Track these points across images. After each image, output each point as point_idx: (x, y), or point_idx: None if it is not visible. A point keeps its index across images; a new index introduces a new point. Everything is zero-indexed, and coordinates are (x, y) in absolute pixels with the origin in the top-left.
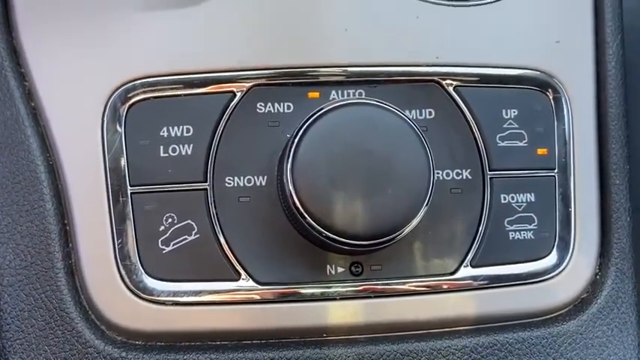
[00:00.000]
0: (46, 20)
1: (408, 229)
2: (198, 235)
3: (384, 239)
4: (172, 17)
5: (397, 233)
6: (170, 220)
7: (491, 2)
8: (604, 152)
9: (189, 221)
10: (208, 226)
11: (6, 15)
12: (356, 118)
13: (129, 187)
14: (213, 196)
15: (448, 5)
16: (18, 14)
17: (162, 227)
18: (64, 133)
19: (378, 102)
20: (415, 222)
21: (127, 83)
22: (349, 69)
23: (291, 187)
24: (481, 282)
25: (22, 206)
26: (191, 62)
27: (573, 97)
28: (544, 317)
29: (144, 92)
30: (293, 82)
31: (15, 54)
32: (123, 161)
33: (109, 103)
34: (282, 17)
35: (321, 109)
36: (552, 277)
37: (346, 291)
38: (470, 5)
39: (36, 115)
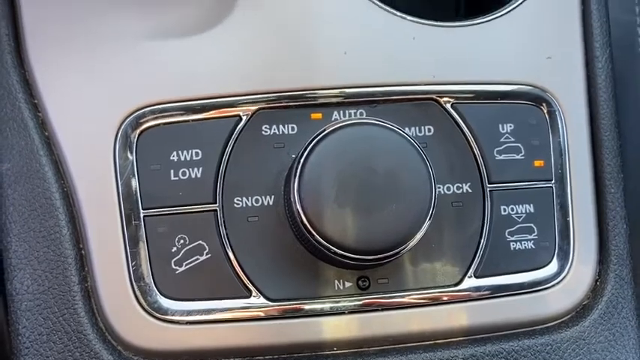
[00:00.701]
0: (57, 53)
1: (412, 243)
2: (209, 255)
3: (390, 253)
4: (178, 46)
5: (402, 247)
6: (182, 241)
7: (483, 22)
8: (598, 162)
9: (201, 242)
10: (219, 246)
11: (17, 49)
12: (358, 137)
13: (141, 211)
14: (223, 217)
15: (443, 26)
16: (29, 48)
17: (175, 248)
18: (77, 161)
19: (379, 121)
20: (419, 236)
21: (136, 111)
22: (349, 90)
23: (298, 206)
24: (485, 292)
25: (38, 232)
26: (198, 88)
27: (566, 110)
28: (548, 324)
29: (153, 119)
30: (296, 104)
31: (28, 86)
32: (135, 186)
33: (120, 131)
34: (284, 42)
35: (325, 129)
36: (554, 285)
37: (354, 305)
38: (464, 26)
39: (50, 144)
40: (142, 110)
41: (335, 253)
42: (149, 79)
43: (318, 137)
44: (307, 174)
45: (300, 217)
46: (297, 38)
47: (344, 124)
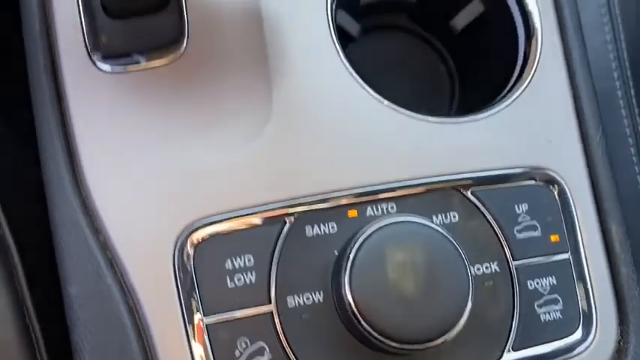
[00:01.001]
0: (113, 180)
1: (459, 326)
2: (270, 355)
3: (441, 340)
4: (222, 161)
5: (450, 331)
6: (243, 344)
7: (489, 115)
8: (607, 231)
9: (261, 342)
10: (278, 345)
11: (76, 180)
12: (398, 234)
13: (204, 319)
14: (279, 317)
15: (455, 123)
16: (88, 177)
17: (238, 352)
18: (140, 278)
19: (414, 217)
20: (463, 320)
21: (190, 225)
22: (377, 187)
23: (350, 300)
24: None
25: (110, 348)
26: (244, 199)
27: (572, 186)
28: None
29: (206, 231)
30: (332, 205)
31: (87, 211)
32: (196, 296)
33: (177, 246)
34: (315, 150)
35: (367, 230)
36: (583, 350)
37: None
38: (472, 121)
39: (112, 264)
40: (196, 224)
41: (388, 345)
42: (200, 194)
43: (361, 237)
44: (356, 270)
45: (353, 311)
46: (327, 145)
47: (384, 224)
